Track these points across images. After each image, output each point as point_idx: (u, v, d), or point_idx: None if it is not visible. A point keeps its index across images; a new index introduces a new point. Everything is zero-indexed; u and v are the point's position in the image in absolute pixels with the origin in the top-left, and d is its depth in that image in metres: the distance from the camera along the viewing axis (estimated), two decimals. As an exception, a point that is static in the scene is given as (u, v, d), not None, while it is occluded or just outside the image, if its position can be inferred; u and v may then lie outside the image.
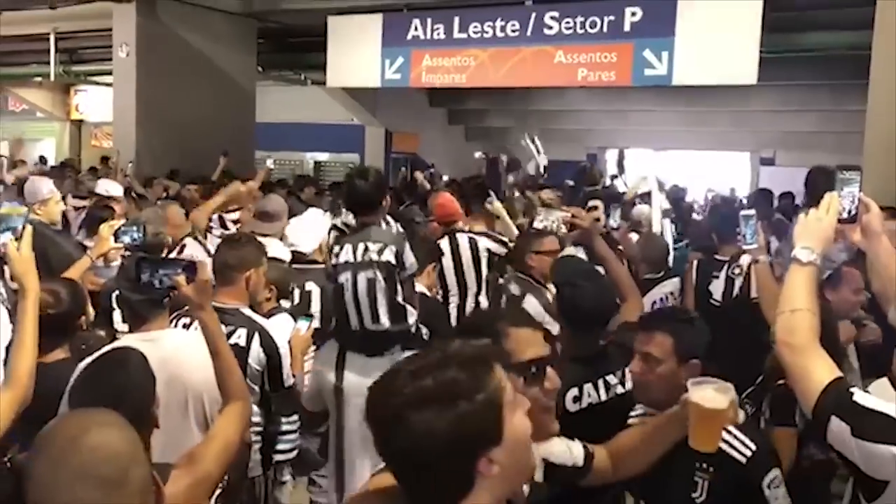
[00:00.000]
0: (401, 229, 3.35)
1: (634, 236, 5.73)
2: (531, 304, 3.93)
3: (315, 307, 3.98)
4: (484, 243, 5.00)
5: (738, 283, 4.58)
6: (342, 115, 15.50)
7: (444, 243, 4.94)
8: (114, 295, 3.74)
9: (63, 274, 3.45)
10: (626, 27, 7.86)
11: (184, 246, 4.95)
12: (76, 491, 1.33)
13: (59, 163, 14.75)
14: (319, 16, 9.48)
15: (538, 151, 7.47)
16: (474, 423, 1.20)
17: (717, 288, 4.67)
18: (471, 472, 1.21)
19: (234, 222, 6.25)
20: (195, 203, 7.01)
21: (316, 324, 3.84)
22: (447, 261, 4.85)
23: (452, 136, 16.73)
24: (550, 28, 8.26)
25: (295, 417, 3.71)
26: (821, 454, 2.73)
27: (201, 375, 2.46)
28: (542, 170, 8.78)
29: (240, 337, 3.05)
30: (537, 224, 4.74)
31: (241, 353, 2.97)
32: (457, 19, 8.75)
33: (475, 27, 8.65)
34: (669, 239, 6.02)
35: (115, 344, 2.59)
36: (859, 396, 1.67)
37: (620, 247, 5.05)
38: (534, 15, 8.33)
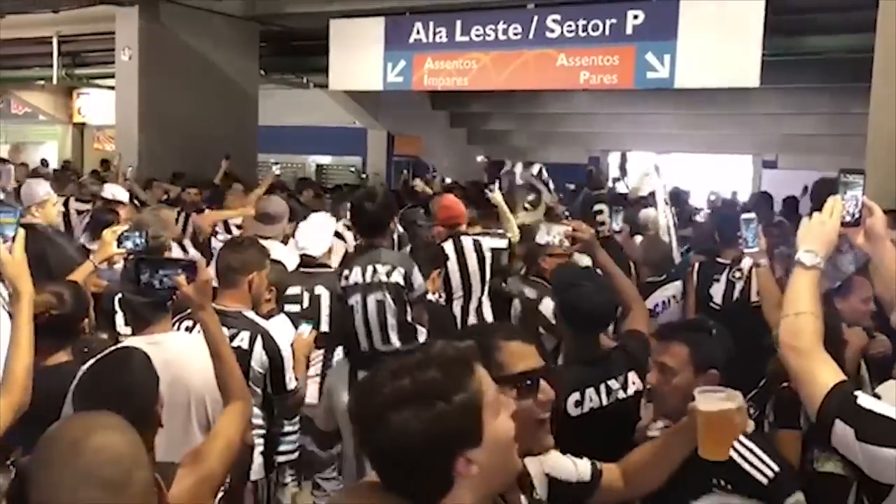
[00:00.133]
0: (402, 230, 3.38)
1: (639, 239, 5.72)
2: (547, 307, 3.93)
3: (325, 311, 3.98)
4: (487, 243, 5.02)
5: (738, 286, 4.58)
6: (344, 119, 15.51)
7: (449, 246, 4.94)
8: (116, 298, 3.74)
9: (64, 277, 3.45)
10: (629, 30, 7.87)
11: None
12: (79, 493, 1.33)
13: (60, 165, 14.80)
14: (322, 19, 9.49)
15: (545, 183, 7.38)
16: (452, 423, 1.21)
17: (717, 291, 4.67)
18: (449, 471, 1.23)
19: (239, 227, 6.27)
20: (194, 207, 7.04)
21: (325, 328, 3.85)
22: (452, 263, 4.85)
23: (454, 140, 16.73)
24: (552, 31, 8.27)
25: (296, 419, 3.71)
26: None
27: (204, 378, 2.47)
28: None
29: (242, 340, 3.05)
30: (539, 239, 4.73)
31: (244, 356, 2.97)
32: (459, 22, 8.76)
33: (477, 30, 8.66)
34: (674, 239, 6.03)
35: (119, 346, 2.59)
36: (863, 400, 1.67)
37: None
38: (536, 18, 8.34)
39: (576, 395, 2.67)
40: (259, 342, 3.08)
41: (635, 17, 7.83)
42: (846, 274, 3.91)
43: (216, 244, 5.49)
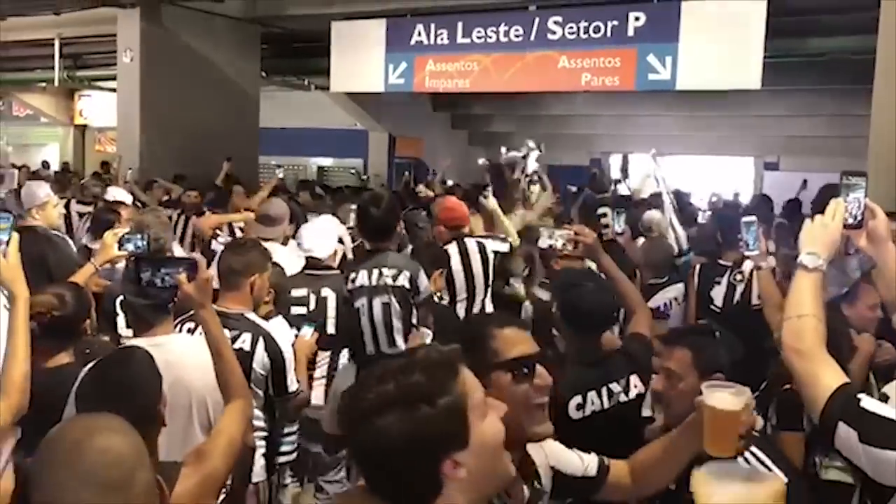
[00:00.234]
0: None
1: (642, 241, 5.71)
2: None
3: (331, 313, 3.98)
4: (491, 245, 5.03)
5: (739, 289, 4.58)
6: (346, 120, 15.53)
7: (453, 248, 4.94)
8: (118, 300, 3.74)
9: (65, 279, 3.45)
10: (630, 32, 7.87)
11: None
12: (81, 495, 1.33)
13: (60, 167, 14.82)
14: (323, 21, 9.50)
15: (532, 148, 7.24)
16: (436, 426, 1.22)
17: (718, 293, 4.67)
18: (436, 474, 1.23)
19: (242, 230, 6.28)
20: (195, 209, 7.05)
21: (331, 330, 3.84)
22: (456, 265, 4.85)
23: (456, 141, 16.74)
24: (554, 33, 8.27)
25: (296, 420, 3.71)
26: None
27: (205, 380, 2.47)
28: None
29: (244, 342, 3.05)
30: (541, 243, 4.72)
31: (246, 357, 2.97)
32: (460, 24, 8.76)
33: (479, 32, 8.66)
34: (683, 237, 6.02)
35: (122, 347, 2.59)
36: (867, 402, 1.66)
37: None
38: (537, 20, 8.34)
39: (577, 398, 2.66)
40: (261, 344, 3.08)
41: (637, 18, 7.82)
42: (852, 279, 3.89)
43: (217, 246, 5.49)
